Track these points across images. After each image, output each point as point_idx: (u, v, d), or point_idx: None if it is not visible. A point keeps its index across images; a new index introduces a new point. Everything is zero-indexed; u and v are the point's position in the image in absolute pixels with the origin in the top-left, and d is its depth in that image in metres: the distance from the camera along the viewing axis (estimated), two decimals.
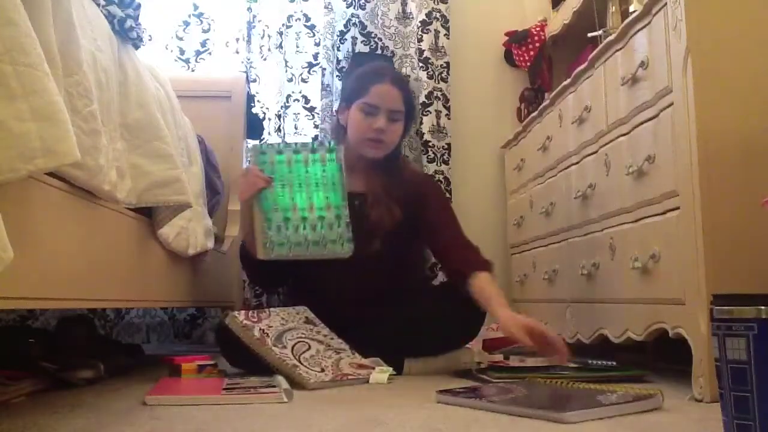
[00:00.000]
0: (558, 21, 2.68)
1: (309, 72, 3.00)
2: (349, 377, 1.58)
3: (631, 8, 1.88)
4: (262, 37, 2.95)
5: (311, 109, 2.97)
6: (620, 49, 1.69)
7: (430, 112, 2.92)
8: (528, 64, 2.91)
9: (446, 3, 3.00)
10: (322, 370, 1.57)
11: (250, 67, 2.94)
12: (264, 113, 2.93)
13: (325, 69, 2.92)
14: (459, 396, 1.27)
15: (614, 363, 1.70)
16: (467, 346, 1.94)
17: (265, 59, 2.95)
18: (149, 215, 1.63)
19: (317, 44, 2.99)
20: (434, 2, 2.98)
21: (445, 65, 2.97)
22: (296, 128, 2.96)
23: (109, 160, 1.28)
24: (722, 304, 0.83)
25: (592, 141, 1.88)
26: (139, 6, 1.55)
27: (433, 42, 2.96)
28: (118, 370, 1.79)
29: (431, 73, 2.95)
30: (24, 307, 2.03)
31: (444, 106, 2.95)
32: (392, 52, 2.95)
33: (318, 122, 2.95)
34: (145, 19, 1.67)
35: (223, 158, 2.51)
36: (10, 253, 0.82)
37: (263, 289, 2.71)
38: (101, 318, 2.76)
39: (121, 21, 1.47)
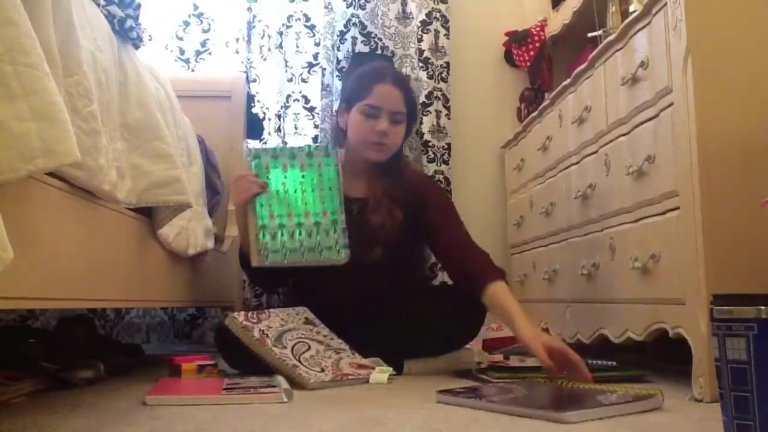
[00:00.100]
0: (558, 21, 2.68)
1: (309, 72, 3.00)
2: (349, 377, 1.58)
3: (631, 8, 1.88)
4: (262, 37, 2.95)
5: (311, 109, 2.97)
6: (620, 49, 1.69)
7: (430, 112, 2.92)
8: (528, 64, 2.91)
9: (446, 3, 3.00)
10: (322, 370, 1.57)
11: (250, 67, 2.94)
12: (264, 113, 2.93)
13: (325, 69, 2.92)
14: (459, 396, 1.27)
15: (614, 363, 1.70)
16: (467, 346, 1.94)
17: (265, 59, 2.95)
18: (149, 215, 1.63)
19: (317, 44, 2.99)
20: (434, 2, 2.98)
21: (445, 65, 2.97)
22: (296, 128, 2.96)
23: (109, 160, 1.28)
24: (722, 304, 0.83)
25: (592, 141, 1.88)
26: (139, 6, 1.55)
27: (433, 42, 2.97)
28: (118, 370, 1.79)
29: (431, 73, 2.95)
30: (24, 307, 2.03)
31: (444, 106, 2.95)
32: (392, 52, 2.95)
33: (318, 122, 2.95)
34: (145, 19, 1.66)
35: (223, 158, 2.51)
36: (10, 253, 0.82)
37: (263, 290, 2.71)
38: (101, 318, 2.76)
39: (121, 21, 1.47)
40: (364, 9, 2.95)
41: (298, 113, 2.97)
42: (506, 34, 3.03)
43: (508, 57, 3.07)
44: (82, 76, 1.15)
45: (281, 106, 2.93)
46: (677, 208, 1.40)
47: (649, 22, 1.52)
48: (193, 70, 2.94)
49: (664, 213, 1.46)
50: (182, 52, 2.96)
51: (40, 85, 0.92)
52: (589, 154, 1.91)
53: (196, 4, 2.99)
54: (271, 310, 1.78)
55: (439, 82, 2.96)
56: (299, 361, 1.58)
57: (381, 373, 1.61)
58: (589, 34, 2.21)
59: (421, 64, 2.94)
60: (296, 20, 3.01)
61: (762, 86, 1.36)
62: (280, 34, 2.96)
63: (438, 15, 2.98)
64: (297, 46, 3.00)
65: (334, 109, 2.71)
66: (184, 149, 1.87)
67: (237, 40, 2.97)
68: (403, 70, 2.91)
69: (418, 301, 1.87)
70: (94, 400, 1.34)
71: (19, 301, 1.05)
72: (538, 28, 2.88)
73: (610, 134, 1.76)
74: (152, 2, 2.84)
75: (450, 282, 2.58)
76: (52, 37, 1.03)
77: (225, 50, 2.98)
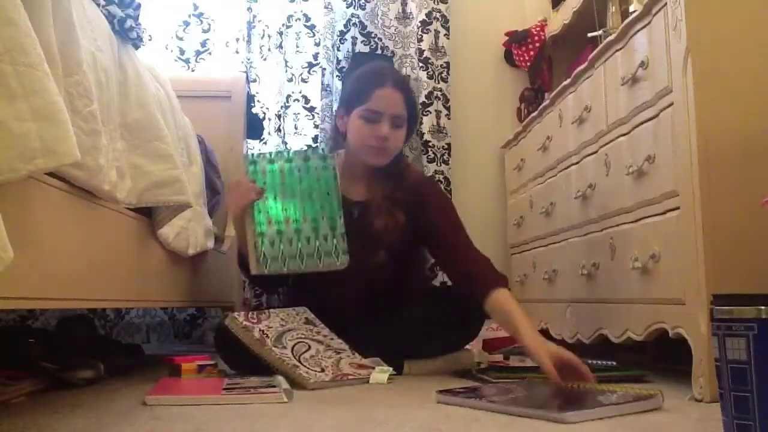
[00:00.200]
0: (558, 21, 2.68)
1: (309, 72, 3.00)
2: (349, 377, 1.58)
3: (631, 8, 1.88)
4: (262, 37, 2.95)
5: (311, 109, 2.97)
6: (620, 49, 1.69)
7: (430, 112, 2.92)
8: (528, 64, 2.91)
9: (446, 3, 3.00)
10: (322, 370, 1.57)
11: (250, 67, 2.94)
12: (264, 113, 2.93)
13: (325, 69, 2.92)
14: (459, 396, 1.27)
15: (614, 363, 1.70)
16: (467, 347, 1.94)
17: (265, 59, 2.95)
18: (149, 215, 1.63)
19: (317, 44, 2.99)
20: (434, 2, 2.98)
21: (445, 65, 2.97)
22: (296, 128, 2.97)
23: (109, 160, 1.28)
24: (722, 304, 0.83)
25: (592, 141, 1.88)
26: (139, 6, 1.55)
27: (433, 42, 2.97)
28: (118, 370, 1.79)
29: (431, 73, 2.95)
30: (24, 307, 2.03)
31: (444, 106, 2.95)
32: (392, 52, 2.95)
33: (318, 122, 2.95)
34: (145, 19, 1.66)
35: (223, 158, 2.51)
36: (10, 253, 0.82)
37: (263, 290, 2.71)
38: (101, 318, 2.76)
39: (121, 21, 1.47)
40: (364, 9, 2.95)
41: (298, 113, 2.97)
42: (506, 34, 3.03)
43: (508, 57, 3.07)
44: (82, 76, 1.15)
45: (281, 106, 2.93)
46: (677, 208, 1.40)
47: (649, 22, 1.52)
48: (193, 70, 2.95)
49: (664, 213, 1.46)
50: (182, 52, 2.96)
51: (40, 85, 0.92)
52: (589, 154, 1.91)
53: (196, 4, 2.99)
54: (271, 310, 1.77)
55: (439, 82, 2.96)
56: (299, 361, 1.58)
57: (381, 373, 1.60)
58: (589, 34, 2.21)
59: (421, 64, 2.94)
60: (296, 20, 3.01)
61: (762, 86, 1.36)
62: (280, 34, 2.96)
63: (438, 15, 2.98)
64: (297, 46, 3.00)
65: (334, 110, 2.70)
66: (184, 149, 1.87)
67: (237, 40, 2.97)
68: (403, 70, 2.91)
69: (419, 302, 1.87)
70: (94, 400, 1.34)
71: (19, 301, 1.05)
72: (538, 28, 2.88)
73: (610, 134, 1.76)
74: (152, 2, 2.84)
75: (449, 283, 2.56)
76: (52, 37, 1.03)
77: (225, 50, 2.98)
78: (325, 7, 2.95)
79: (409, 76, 2.85)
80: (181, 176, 1.60)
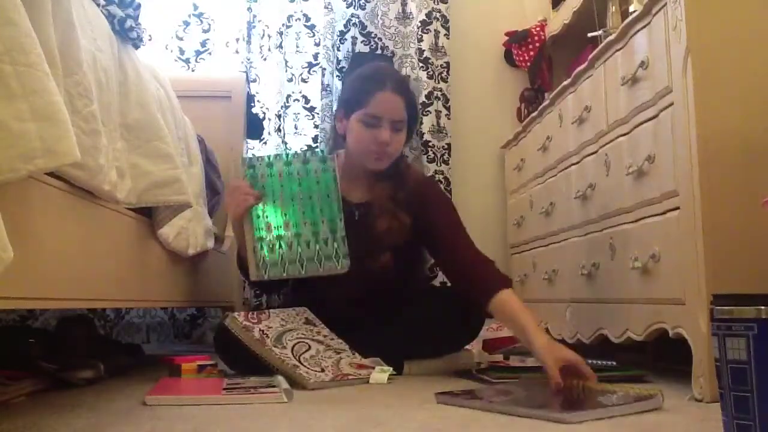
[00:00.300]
0: (558, 21, 2.68)
1: (309, 72, 3.00)
2: (349, 377, 1.58)
3: (631, 8, 1.88)
4: (262, 37, 2.95)
5: (311, 109, 2.98)
6: (620, 49, 1.69)
7: (430, 112, 2.92)
8: (528, 64, 2.91)
9: (446, 3, 3.00)
10: (322, 370, 1.57)
11: (250, 67, 2.94)
12: (264, 113, 2.93)
13: (325, 69, 2.92)
14: (458, 398, 1.27)
15: (614, 363, 1.70)
16: (467, 347, 1.94)
17: (265, 59, 2.95)
18: (149, 215, 1.63)
19: (317, 44, 3.00)
20: (434, 2, 2.98)
21: (445, 65, 2.97)
22: (296, 128, 2.97)
23: (109, 160, 1.28)
24: (722, 304, 0.83)
25: (592, 141, 1.88)
26: (139, 6, 1.55)
27: (433, 42, 2.97)
28: (118, 370, 1.79)
29: (431, 73, 2.95)
30: (24, 307, 2.03)
31: (444, 106, 2.95)
32: (392, 52, 2.95)
33: (318, 122, 2.95)
34: (145, 19, 1.66)
35: (223, 158, 2.51)
36: (10, 253, 0.82)
37: (263, 293, 2.71)
38: (101, 318, 2.76)
39: (121, 21, 1.47)
40: (364, 9, 2.95)
41: (298, 113, 2.97)
42: (506, 34, 3.03)
43: (508, 57, 3.07)
44: (82, 76, 1.15)
45: (281, 106, 2.93)
46: (677, 208, 1.40)
47: (649, 22, 1.52)
48: (193, 70, 2.95)
49: (664, 213, 1.46)
50: (182, 52, 2.96)
51: (40, 85, 0.92)
52: (589, 154, 1.91)
53: (196, 4, 2.99)
54: (271, 310, 1.77)
55: (439, 82, 2.96)
56: (299, 361, 1.58)
57: (381, 373, 1.60)
58: (589, 34, 2.21)
59: (421, 64, 2.94)
60: (296, 20, 3.01)
61: (762, 86, 1.36)
62: (280, 34, 2.96)
63: (438, 15, 2.98)
64: (297, 46, 3.00)
65: (334, 110, 2.70)
66: (184, 149, 1.87)
67: (237, 40, 2.97)
68: (403, 70, 2.91)
69: (419, 302, 1.86)
70: (94, 400, 1.34)
71: (19, 301, 1.05)
72: (538, 28, 2.88)
73: (610, 134, 1.76)
74: (152, 2, 2.84)
75: (449, 283, 2.55)
76: (52, 37, 1.03)
77: (225, 50, 2.98)
78: (325, 7, 2.95)
79: (409, 76, 2.85)
80: (181, 176, 1.60)
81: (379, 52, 2.93)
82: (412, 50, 2.96)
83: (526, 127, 2.61)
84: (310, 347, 1.65)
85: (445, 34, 2.98)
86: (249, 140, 2.85)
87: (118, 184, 1.33)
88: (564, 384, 1.35)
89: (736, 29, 1.38)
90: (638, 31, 1.58)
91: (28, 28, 0.92)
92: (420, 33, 2.96)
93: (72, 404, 1.28)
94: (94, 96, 1.20)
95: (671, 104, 1.42)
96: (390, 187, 1.88)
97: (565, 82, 2.10)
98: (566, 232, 2.10)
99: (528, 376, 1.56)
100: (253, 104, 2.83)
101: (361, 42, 2.93)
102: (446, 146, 2.94)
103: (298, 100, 2.98)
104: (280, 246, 1.72)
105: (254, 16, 2.97)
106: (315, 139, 2.95)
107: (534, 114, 2.48)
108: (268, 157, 1.79)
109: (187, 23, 2.98)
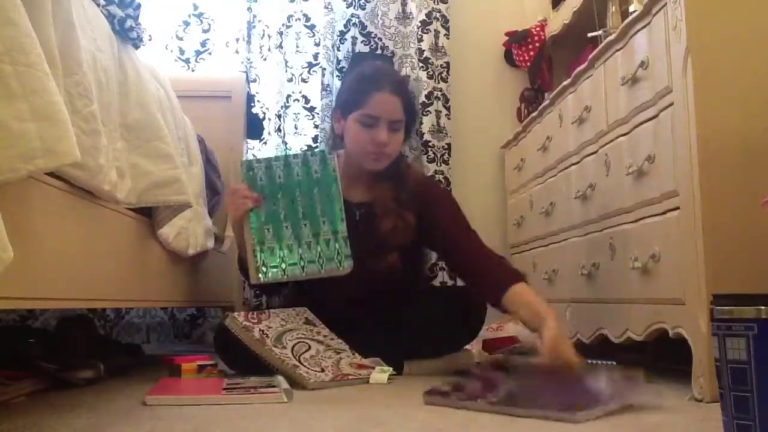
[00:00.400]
0: (558, 21, 2.68)
1: (309, 72, 3.00)
2: (349, 377, 1.58)
3: (631, 8, 1.88)
4: (262, 37, 2.95)
5: (311, 109, 2.98)
6: (620, 49, 1.69)
7: (430, 112, 2.92)
8: (528, 64, 2.91)
9: (446, 3, 3.00)
10: (322, 370, 1.57)
11: (250, 67, 2.94)
12: (264, 113, 2.93)
13: (325, 69, 2.92)
14: (448, 398, 1.25)
15: (614, 363, 1.70)
16: (467, 347, 1.93)
17: (265, 59, 2.95)
18: (149, 215, 1.63)
19: (317, 44, 3.00)
20: (434, 2, 2.98)
21: (445, 65, 2.97)
22: (296, 128, 2.97)
23: (109, 160, 1.28)
24: (722, 304, 0.83)
25: (592, 141, 1.88)
26: (139, 6, 1.55)
27: (433, 42, 2.97)
28: (118, 370, 1.79)
29: (431, 73, 2.95)
30: (24, 307, 2.03)
31: (444, 106, 2.95)
32: (392, 52, 2.95)
33: (318, 122, 2.95)
34: (145, 19, 1.66)
35: (223, 158, 2.51)
36: (10, 253, 0.82)
37: (264, 294, 2.71)
38: (101, 318, 2.76)
39: (121, 21, 1.47)
40: (364, 9, 2.95)
41: (298, 113, 2.97)
42: (506, 34, 3.03)
43: (508, 57, 3.07)
44: (82, 76, 1.15)
45: (281, 106, 2.93)
46: (677, 208, 1.40)
47: (649, 22, 1.52)
48: (193, 70, 2.95)
49: (664, 213, 1.46)
50: (182, 52, 2.96)
51: (40, 85, 0.92)
52: (589, 154, 1.91)
53: (196, 4, 2.99)
54: (271, 310, 1.77)
55: (439, 82, 2.96)
56: (299, 361, 1.57)
57: (381, 373, 1.60)
58: (589, 34, 2.21)
59: (421, 64, 2.94)
60: (296, 20, 3.01)
61: (762, 86, 1.36)
62: (280, 34, 2.96)
63: (438, 15, 2.98)
64: (297, 46, 3.00)
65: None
66: (184, 149, 1.87)
67: (237, 40, 2.97)
68: (403, 70, 2.91)
69: (418, 302, 1.86)
70: (94, 400, 1.34)
71: (19, 301, 1.05)
72: (538, 28, 2.88)
73: (610, 134, 1.76)
74: (152, 2, 2.84)
75: (449, 283, 2.54)
76: (52, 37, 1.03)
77: (225, 50, 2.98)
78: (325, 7, 2.95)
79: (408, 76, 2.84)
80: (181, 176, 1.60)
81: (379, 52, 2.93)
82: (412, 50, 2.96)
83: (526, 127, 2.61)
84: (310, 347, 1.65)
85: (445, 34, 2.98)
86: (249, 140, 2.85)
87: (118, 184, 1.33)
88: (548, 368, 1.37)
89: (736, 29, 1.38)
90: (638, 31, 1.58)
91: (28, 28, 0.92)
92: (420, 33, 2.96)
93: (72, 404, 1.28)
94: (94, 96, 1.20)
95: (671, 104, 1.42)
96: (391, 187, 1.87)
97: (565, 82, 2.10)
98: (566, 232, 2.10)
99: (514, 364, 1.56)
100: (253, 104, 2.83)
101: (361, 42, 2.93)
102: (446, 146, 2.94)
103: (298, 100, 2.98)
104: (280, 248, 1.71)
105: (254, 16, 2.97)
106: (315, 139, 2.95)
107: (534, 114, 2.48)
108: (267, 158, 1.78)
109: (187, 23, 2.98)
